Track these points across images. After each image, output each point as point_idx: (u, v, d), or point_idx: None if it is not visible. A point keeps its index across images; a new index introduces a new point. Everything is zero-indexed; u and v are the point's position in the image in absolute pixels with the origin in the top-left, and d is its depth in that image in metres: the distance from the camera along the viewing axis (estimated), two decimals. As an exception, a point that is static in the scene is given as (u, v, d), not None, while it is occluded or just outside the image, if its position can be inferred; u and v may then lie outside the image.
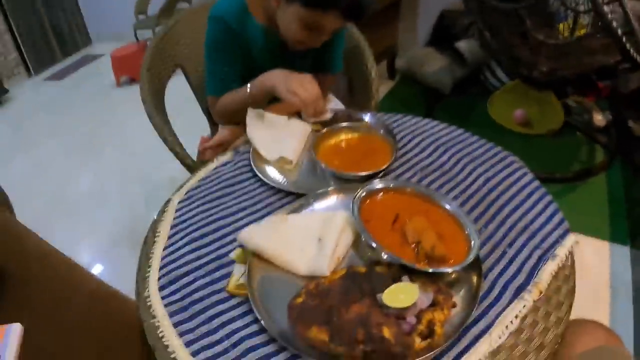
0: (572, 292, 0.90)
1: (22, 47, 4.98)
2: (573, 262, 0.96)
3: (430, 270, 0.88)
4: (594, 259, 2.31)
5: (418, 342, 0.79)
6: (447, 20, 3.72)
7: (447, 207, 1.02)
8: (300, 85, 1.32)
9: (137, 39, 4.79)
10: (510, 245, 0.99)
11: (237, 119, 1.54)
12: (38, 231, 1.24)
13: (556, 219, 1.04)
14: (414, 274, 0.88)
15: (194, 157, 1.69)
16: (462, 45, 3.53)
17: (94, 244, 2.73)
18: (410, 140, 1.35)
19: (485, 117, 3.30)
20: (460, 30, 3.60)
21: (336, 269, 0.94)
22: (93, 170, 3.43)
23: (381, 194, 1.07)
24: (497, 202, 1.10)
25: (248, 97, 1.46)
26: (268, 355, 0.83)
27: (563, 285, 0.91)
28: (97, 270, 2.53)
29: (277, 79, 1.39)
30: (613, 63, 2.41)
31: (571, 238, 0.99)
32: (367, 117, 1.41)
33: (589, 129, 3.18)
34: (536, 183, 1.15)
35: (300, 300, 0.86)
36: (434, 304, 0.83)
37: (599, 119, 3.20)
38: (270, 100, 1.48)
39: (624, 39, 2.18)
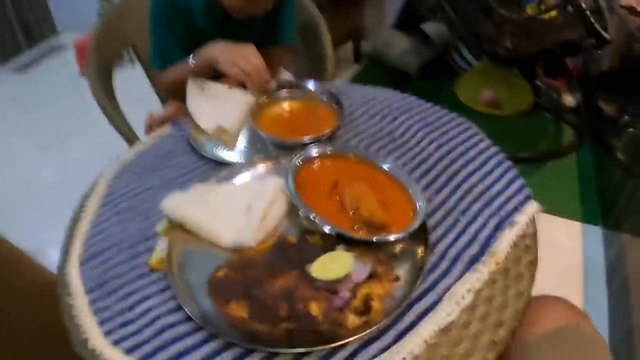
0: (534, 263, 0.82)
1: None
2: (535, 231, 0.88)
3: (369, 238, 0.81)
4: (565, 239, 2.28)
5: (352, 319, 0.72)
6: (414, 2, 3.67)
7: (390, 171, 0.95)
8: (241, 57, 1.25)
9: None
10: (464, 212, 0.92)
11: (182, 94, 1.45)
12: (3, 224, 1.16)
13: (516, 185, 0.97)
14: (351, 245, 0.81)
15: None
16: (429, 26, 3.49)
17: (59, 236, 2.61)
18: (358, 107, 1.27)
19: (453, 99, 3.25)
20: (427, 12, 3.56)
21: (266, 241, 0.86)
22: (60, 163, 3.34)
23: (319, 160, 0.99)
24: (450, 168, 1.03)
25: (191, 71, 1.37)
26: (185, 334, 0.75)
27: (524, 255, 0.83)
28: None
29: (218, 50, 1.32)
30: (577, 38, 2.39)
31: (533, 205, 0.92)
32: (311, 85, 1.32)
33: (558, 110, 3.16)
34: (494, 149, 1.08)
35: (221, 273, 0.78)
36: (372, 277, 0.76)
37: (569, 99, 3.19)
38: (216, 76, 1.40)
39: (588, 13, 2.17)
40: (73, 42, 4.42)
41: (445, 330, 0.71)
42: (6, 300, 1.13)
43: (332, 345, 0.68)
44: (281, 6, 1.52)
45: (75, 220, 1.01)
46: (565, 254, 2.20)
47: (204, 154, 1.13)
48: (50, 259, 1.24)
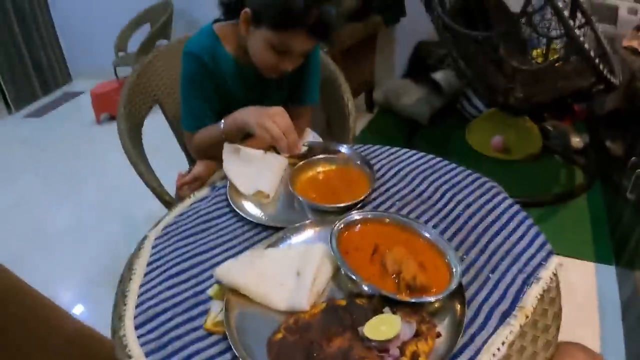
0: (558, 314, 0.89)
1: (2, 83, 4.93)
2: (558, 284, 0.95)
3: (412, 300, 0.87)
4: (580, 280, 2.31)
5: (404, 376, 0.77)
6: (422, 51, 3.76)
7: (427, 235, 1.02)
8: (270, 120, 1.32)
9: (116, 76, 4.75)
10: (493, 270, 0.98)
11: (212, 155, 1.53)
12: (15, 268, 1.20)
13: (538, 242, 1.04)
14: (395, 305, 0.86)
15: (173, 194, 1.67)
16: (439, 75, 3.56)
17: (72, 283, 2.67)
18: (388, 171, 1.35)
19: (464, 146, 3.33)
20: (435, 61, 3.64)
21: (316, 303, 0.91)
22: (72, 207, 3.38)
23: (359, 225, 1.06)
24: (477, 229, 1.10)
25: (222, 133, 1.45)
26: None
27: (549, 308, 0.89)
28: (76, 310, 2.48)
29: (248, 114, 1.39)
30: (587, 86, 2.44)
31: (554, 260, 0.99)
32: (343, 149, 1.41)
33: (567, 152, 3.21)
34: (516, 207, 1.15)
35: (279, 336, 0.83)
36: (417, 335, 0.82)
37: (577, 141, 3.24)
38: (245, 137, 1.48)
39: (597, 61, 2.21)
40: (89, 90, 4.51)
41: None
42: (37, 351, 1.17)
43: None
44: (308, 64, 1.60)
45: (124, 282, 1.06)
46: (581, 294, 2.23)
47: (245, 216, 1.19)
48: (62, 304, 1.29)
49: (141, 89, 1.85)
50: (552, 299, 0.91)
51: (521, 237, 1.06)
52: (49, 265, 2.78)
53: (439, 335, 0.83)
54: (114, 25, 4.78)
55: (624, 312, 2.09)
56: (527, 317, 0.87)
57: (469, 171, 1.32)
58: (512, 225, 1.10)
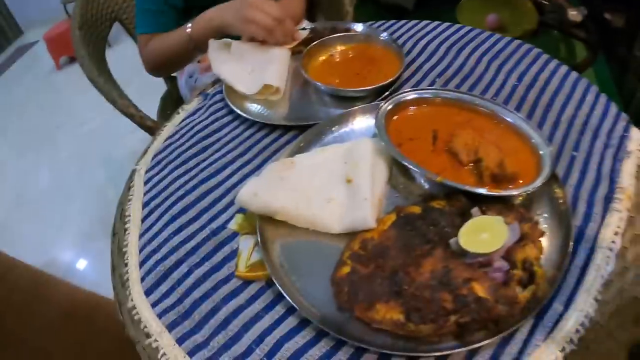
0: None
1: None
2: None
3: (506, 193, 0.67)
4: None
5: (521, 293, 0.57)
6: None
7: (494, 111, 0.79)
8: (256, 10, 1.06)
9: (68, 14, 4.35)
10: (576, 148, 0.79)
11: (173, 69, 1.35)
12: (1, 240, 0.98)
13: (613, 111, 0.86)
14: (483, 204, 0.65)
15: (154, 118, 1.44)
16: (421, -44, 3.34)
17: (65, 243, 2.53)
18: (413, 46, 1.10)
19: (456, 28, 3.12)
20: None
21: (381, 217, 0.69)
22: (48, 164, 3.19)
23: (409, 108, 0.82)
24: (541, 101, 0.89)
25: (188, 40, 1.18)
26: (321, 357, 0.59)
27: None
28: (74, 273, 2.31)
29: (226, 11, 1.12)
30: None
31: (636, 130, 0.81)
32: (357, 27, 1.14)
33: (565, 26, 3.03)
34: (575, 74, 0.95)
35: (346, 269, 0.61)
36: (521, 238, 0.61)
37: (574, 14, 3.07)
38: None
39: None
40: (42, 36, 4.22)
41: (606, 285, 0.61)
42: (31, 332, 1.01)
43: (514, 328, 0.56)
44: None
45: (118, 237, 0.83)
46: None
47: (255, 119, 0.95)
48: (59, 270, 1.08)
49: (95, 5, 1.60)
50: None
51: (592, 107, 0.87)
52: (37, 231, 2.63)
53: (542, 234, 0.64)
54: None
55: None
56: (629, 198, 0.70)
57: (508, 38, 1.09)
58: (577, 94, 0.90)
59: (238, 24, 1.09)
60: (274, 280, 0.63)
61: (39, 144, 3.42)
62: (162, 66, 1.34)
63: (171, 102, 1.67)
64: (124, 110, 1.36)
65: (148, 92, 1.74)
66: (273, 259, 0.67)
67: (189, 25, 1.18)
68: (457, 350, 0.55)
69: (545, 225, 0.66)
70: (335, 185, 0.73)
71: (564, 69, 0.97)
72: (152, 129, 1.35)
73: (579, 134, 0.82)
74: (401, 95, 0.81)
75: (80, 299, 1.15)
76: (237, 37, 1.11)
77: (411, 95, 0.82)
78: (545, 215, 0.68)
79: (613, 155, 0.77)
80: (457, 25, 1.16)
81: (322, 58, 1.07)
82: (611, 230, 0.66)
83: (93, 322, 1.10)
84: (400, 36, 1.14)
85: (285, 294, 0.61)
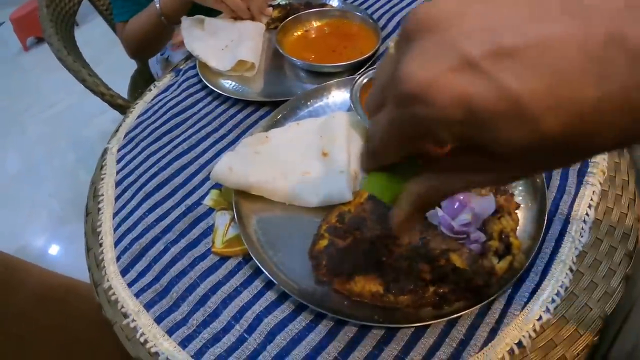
0: (631, 166, 0.73)
1: None
2: None
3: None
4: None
5: (497, 263, 0.57)
6: None
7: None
8: None
9: (34, -8, 4.26)
10: None
11: (153, 49, 1.31)
12: None
13: None
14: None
15: (125, 96, 1.40)
16: None
17: (37, 229, 2.46)
18: (389, 21, 1.07)
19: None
20: None
21: (357, 189, 0.68)
22: (17, 148, 3.10)
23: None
24: None
25: (159, 15, 1.15)
26: (301, 330, 0.58)
27: (621, 161, 0.73)
28: (49, 257, 2.27)
29: None
30: None
31: None
32: (332, 2, 1.12)
33: None
34: None
35: (324, 243, 0.60)
36: (496, 210, 0.61)
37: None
38: None
39: None
40: (9, 17, 4.08)
41: (581, 257, 0.61)
42: (9, 316, 0.96)
43: (491, 299, 0.56)
44: None
45: (91, 217, 0.81)
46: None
47: (229, 95, 0.93)
48: (32, 256, 1.05)
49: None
50: (619, 150, 0.75)
51: None
52: (7, 216, 2.57)
53: (517, 206, 0.65)
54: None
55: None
56: (603, 173, 0.71)
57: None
58: None
59: None
60: (252, 256, 0.62)
61: (6, 128, 3.33)
62: (142, 48, 1.32)
63: (142, 80, 1.63)
64: (94, 88, 1.31)
65: (118, 71, 1.70)
66: (250, 234, 0.66)
67: (157, 1, 1.15)
68: (436, 321, 0.55)
69: (521, 198, 0.67)
70: (311, 159, 0.72)
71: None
72: (123, 108, 1.32)
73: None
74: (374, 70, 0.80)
75: (53, 283, 1.12)
76: (207, 11, 1.09)
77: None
78: (521, 187, 0.68)
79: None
80: (433, 1, 1.14)
81: (297, 34, 1.05)
82: (585, 203, 0.67)
83: (67, 306, 1.07)
84: (376, 11, 1.11)
85: (263, 269, 0.60)
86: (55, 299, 1.07)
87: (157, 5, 1.14)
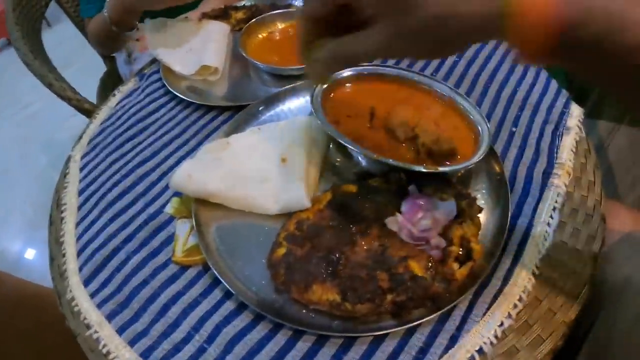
0: (597, 167, 0.74)
1: None
2: (587, 134, 0.79)
3: (443, 169, 0.65)
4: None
5: (458, 270, 0.57)
6: None
7: (437, 89, 0.78)
8: None
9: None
10: (515, 124, 0.80)
11: (112, 47, 1.33)
12: None
13: (553, 88, 0.87)
14: (420, 181, 0.65)
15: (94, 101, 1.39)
16: None
17: (7, 234, 2.44)
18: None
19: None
20: None
21: (316, 196, 0.68)
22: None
23: (346, 85, 0.80)
24: (481, 77, 0.90)
25: (106, 22, 1.15)
26: (260, 340, 0.58)
27: (587, 161, 0.75)
28: (23, 263, 2.26)
29: None
30: None
31: (576, 107, 0.83)
32: (297, 3, 1.12)
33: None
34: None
35: (282, 251, 0.60)
36: (458, 215, 0.62)
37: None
38: None
39: None
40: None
41: (545, 260, 0.62)
42: None
43: (451, 305, 0.56)
44: None
45: (55, 226, 0.80)
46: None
47: (191, 100, 0.93)
48: (4, 261, 1.04)
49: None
50: (586, 150, 0.76)
51: (533, 84, 0.88)
52: None
53: (480, 210, 0.64)
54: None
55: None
56: (569, 174, 0.72)
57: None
58: (517, 71, 0.91)
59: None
60: (210, 265, 0.62)
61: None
62: (101, 46, 1.33)
63: (111, 82, 1.61)
64: (61, 93, 1.30)
65: (90, 73, 1.68)
66: (209, 242, 0.65)
67: (105, 6, 1.15)
68: (395, 330, 0.55)
69: (483, 201, 0.67)
70: (270, 165, 0.71)
71: (504, 45, 0.96)
72: (90, 113, 1.30)
73: (518, 110, 0.83)
74: (339, 73, 0.79)
75: (27, 292, 1.12)
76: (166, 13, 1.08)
77: (349, 72, 0.79)
78: (484, 191, 0.69)
79: (552, 131, 0.78)
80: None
81: (261, 36, 1.04)
82: (549, 206, 0.67)
83: (40, 315, 1.06)
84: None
85: (221, 279, 0.60)
86: (28, 308, 1.07)
87: (105, 12, 1.14)
